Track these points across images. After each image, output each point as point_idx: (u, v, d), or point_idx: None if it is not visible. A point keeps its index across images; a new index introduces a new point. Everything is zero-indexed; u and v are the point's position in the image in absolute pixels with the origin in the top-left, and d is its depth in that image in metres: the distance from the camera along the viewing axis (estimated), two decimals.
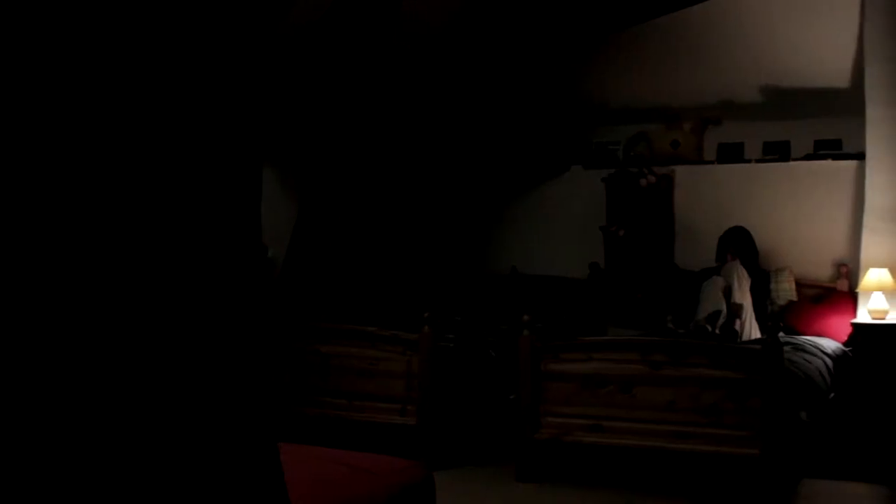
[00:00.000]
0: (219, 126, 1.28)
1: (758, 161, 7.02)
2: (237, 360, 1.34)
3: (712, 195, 7.09)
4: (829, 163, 6.73)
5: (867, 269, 5.99)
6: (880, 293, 5.88)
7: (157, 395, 1.20)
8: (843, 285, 6.47)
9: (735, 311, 5.74)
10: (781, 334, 5.16)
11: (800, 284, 6.53)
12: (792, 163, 6.88)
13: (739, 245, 6.26)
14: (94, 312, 1.12)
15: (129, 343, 1.15)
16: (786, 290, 6.47)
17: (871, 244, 6.07)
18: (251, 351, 1.37)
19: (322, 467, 2.53)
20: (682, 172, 7.26)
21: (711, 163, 7.24)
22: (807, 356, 5.29)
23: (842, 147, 6.76)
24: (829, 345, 5.83)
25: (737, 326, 5.71)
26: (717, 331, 5.60)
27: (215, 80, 1.28)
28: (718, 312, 5.66)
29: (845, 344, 6.00)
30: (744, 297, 5.82)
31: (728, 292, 5.78)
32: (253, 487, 1.38)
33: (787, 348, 4.90)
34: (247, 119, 1.33)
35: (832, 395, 5.36)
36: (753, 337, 5.71)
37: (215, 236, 1.27)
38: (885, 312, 5.83)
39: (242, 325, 1.34)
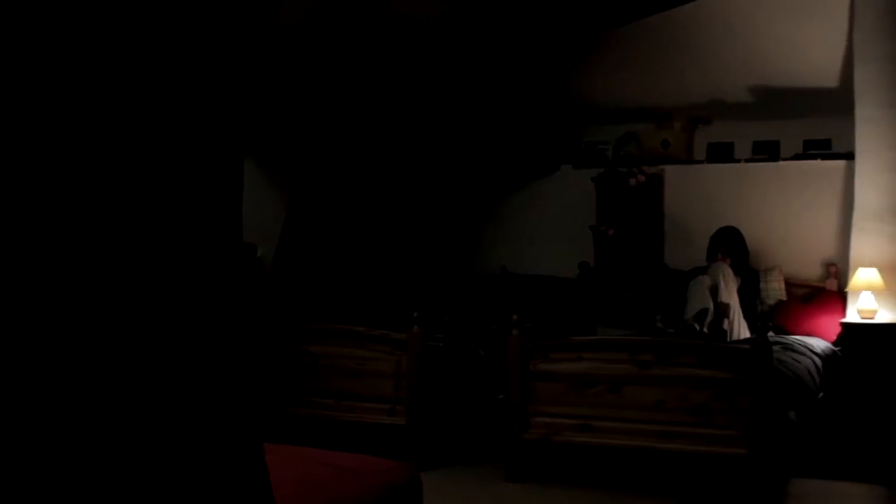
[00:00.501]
0: (198, 122, 1.26)
1: (747, 161, 7.04)
2: (219, 360, 1.33)
3: (702, 195, 7.10)
4: (818, 162, 6.75)
5: (856, 268, 5.99)
6: (869, 293, 5.89)
7: (136, 395, 1.18)
8: (832, 285, 6.49)
9: (723, 310, 5.75)
10: (771, 334, 5.16)
11: (789, 284, 6.55)
12: (781, 162, 6.90)
13: (731, 245, 6.27)
14: (65, 311, 1.10)
15: (104, 342, 1.14)
16: (775, 289, 6.49)
17: (860, 244, 6.07)
18: (233, 350, 1.36)
19: (307, 468, 2.52)
20: (671, 172, 7.26)
21: (701, 162, 7.25)
22: (796, 356, 5.29)
23: (831, 147, 6.78)
24: (819, 344, 5.84)
25: (725, 326, 5.71)
26: (704, 329, 5.60)
27: (196, 77, 1.27)
28: (706, 310, 5.67)
29: (834, 343, 6.01)
30: (731, 297, 5.82)
31: (714, 291, 5.78)
32: (237, 488, 1.36)
33: (776, 348, 4.90)
34: (227, 115, 1.32)
35: (821, 394, 5.37)
36: (743, 336, 5.71)
37: (195, 234, 1.26)
38: (874, 312, 5.84)
39: (223, 324, 1.33)
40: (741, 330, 5.81)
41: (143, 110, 1.18)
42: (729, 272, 5.94)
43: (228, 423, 1.35)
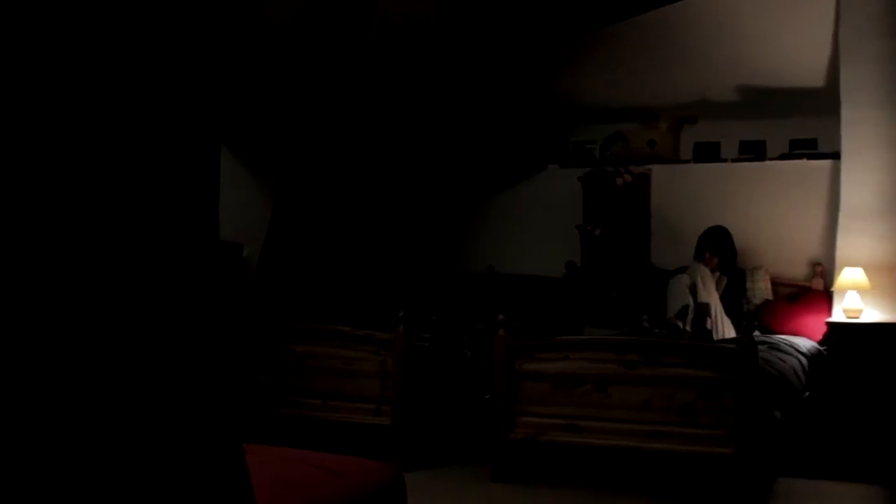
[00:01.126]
0: (174, 118, 1.25)
1: (734, 160, 7.05)
2: (196, 359, 1.31)
3: (688, 194, 7.11)
4: (804, 162, 6.77)
5: (842, 268, 6.01)
6: (855, 292, 5.90)
7: (111, 394, 1.16)
8: (818, 284, 6.50)
9: (704, 310, 5.76)
10: (756, 333, 5.16)
11: (775, 283, 6.57)
12: (768, 162, 6.91)
13: (719, 244, 6.27)
14: (40, 310, 1.08)
15: (74, 341, 1.12)
16: (761, 288, 6.50)
17: (845, 243, 6.09)
18: (211, 349, 1.34)
19: (290, 468, 2.50)
20: (658, 171, 7.27)
21: (688, 162, 7.26)
22: (782, 355, 5.30)
23: (817, 146, 6.80)
24: (804, 344, 5.84)
25: (708, 325, 5.72)
26: (687, 327, 5.61)
27: (173, 75, 1.25)
28: (687, 307, 5.68)
29: (820, 343, 6.02)
30: (710, 297, 5.83)
31: (694, 290, 5.79)
32: (217, 488, 1.35)
33: (762, 347, 4.91)
34: (203, 112, 1.30)
35: (807, 393, 5.38)
36: (728, 336, 5.72)
37: (169, 230, 1.24)
38: (860, 311, 5.85)
39: (200, 322, 1.31)
40: (725, 329, 5.82)
41: (119, 106, 1.16)
42: (707, 273, 5.96)
43: (207, 423, 1.33)
